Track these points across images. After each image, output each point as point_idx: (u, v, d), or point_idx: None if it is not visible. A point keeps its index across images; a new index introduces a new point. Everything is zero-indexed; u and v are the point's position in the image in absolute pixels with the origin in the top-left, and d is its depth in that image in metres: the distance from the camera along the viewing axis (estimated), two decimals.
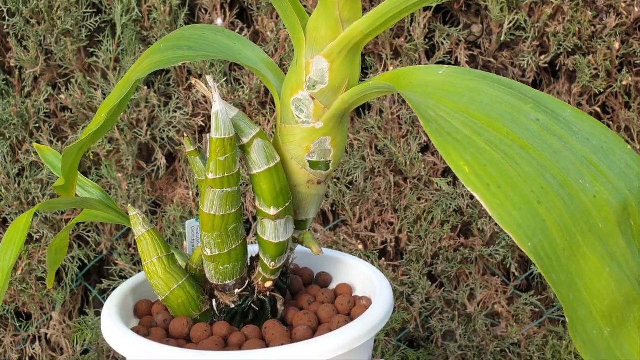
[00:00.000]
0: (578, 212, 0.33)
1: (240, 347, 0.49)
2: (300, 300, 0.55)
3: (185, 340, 0.51)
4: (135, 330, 0.52)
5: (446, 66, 0.41)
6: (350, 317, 0.51)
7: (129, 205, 0.52)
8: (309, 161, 0.47)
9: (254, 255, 0.52)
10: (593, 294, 0.33)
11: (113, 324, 0.49)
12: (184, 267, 0.54)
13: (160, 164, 0.96)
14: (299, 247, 0.54)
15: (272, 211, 0.47)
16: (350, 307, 0.53)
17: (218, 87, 0.92)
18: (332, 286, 0.59)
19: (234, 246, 0.49)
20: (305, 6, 0.91)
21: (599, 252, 0.33)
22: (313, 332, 0.50)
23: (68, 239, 0.61)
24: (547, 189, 0.33)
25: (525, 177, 0.33)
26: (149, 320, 0.54)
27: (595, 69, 0.90)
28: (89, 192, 0.59)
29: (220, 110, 0.44)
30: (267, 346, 0.48)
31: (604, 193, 0.35)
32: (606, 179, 0.35)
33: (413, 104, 0.36)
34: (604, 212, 0.34)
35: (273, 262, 0.50)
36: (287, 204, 0.48)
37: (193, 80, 0.47)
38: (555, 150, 0.35)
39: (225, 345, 0.49)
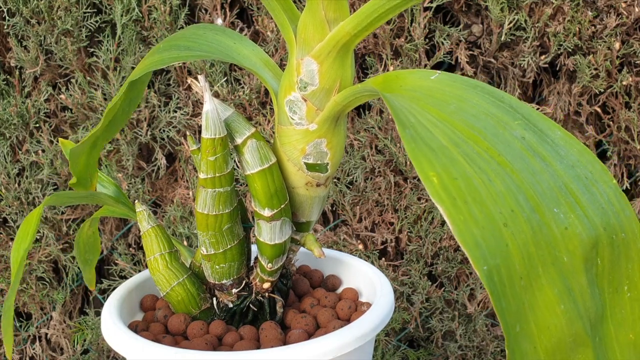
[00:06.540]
0: (545, 242, 0.32)
1: (232, 346, 0.49)
2: (303, 303, 0.55)
3: (182, 337, 0.51)
4: (135, 324, 0.53)
5: (439, 72, 0.40)
6: (349, 322, 0.51)
7: (137, 201, 0.52)
8: (305, 163, 0.47)
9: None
10: (542, 329, 0.31)
11: (112, 324, 0.49)
12: (190, 264, 0.54)
13: (161, 164, 0.96)
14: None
15: (267, 212, 0.47)
16: (350, 312, 0.53)
17: (218, 87, 0.91)
18: (340, 290, 0.59)
19: (229, 246, 0.49)
20: (303, 6, 0.90)
21: (557, 287, 0.32)
22: (309, 336, 0.50)
23: (97, 235, 0.62)
24: (517, 212, 0.32)
25: (496, 197, 0.32)
26: (151, 315, 0.54)
27: (596, 69, 0.89)
28: (105, 187, 0.60)
29: (211, 109, 0.43)
30: (260, 347, 0.48)
31: (576, 226, 0.33)
32: (583, 212, 0.34)
33: (392, 108, 0.35)
34: (571, 246, 0.33)
35: (270, 264, 0.49)
36: (282, 206, 0.47)
37: (189, 80, 0.47)
38: (534, 172, 0.34)
39: (219, 344, 0.49)
